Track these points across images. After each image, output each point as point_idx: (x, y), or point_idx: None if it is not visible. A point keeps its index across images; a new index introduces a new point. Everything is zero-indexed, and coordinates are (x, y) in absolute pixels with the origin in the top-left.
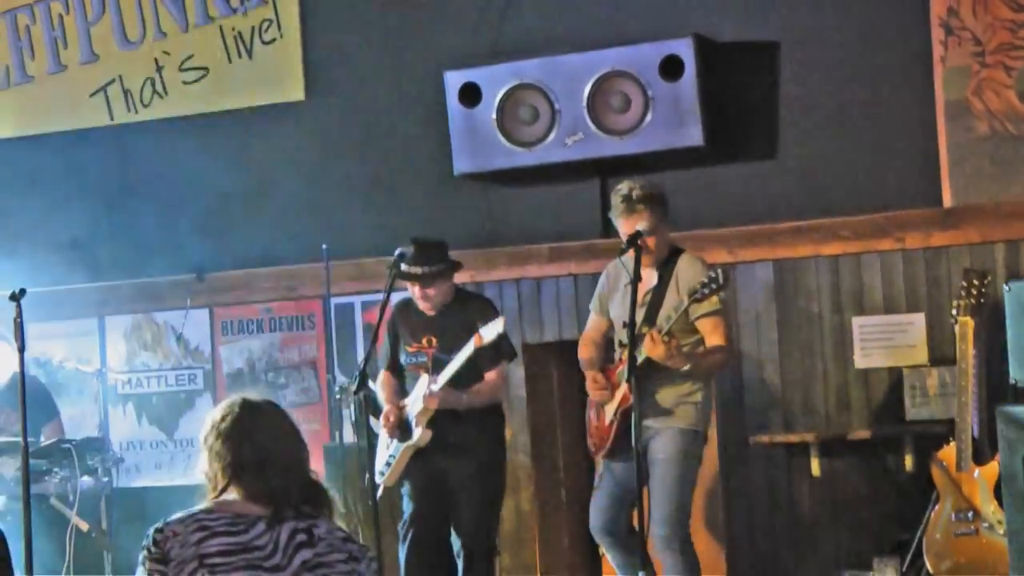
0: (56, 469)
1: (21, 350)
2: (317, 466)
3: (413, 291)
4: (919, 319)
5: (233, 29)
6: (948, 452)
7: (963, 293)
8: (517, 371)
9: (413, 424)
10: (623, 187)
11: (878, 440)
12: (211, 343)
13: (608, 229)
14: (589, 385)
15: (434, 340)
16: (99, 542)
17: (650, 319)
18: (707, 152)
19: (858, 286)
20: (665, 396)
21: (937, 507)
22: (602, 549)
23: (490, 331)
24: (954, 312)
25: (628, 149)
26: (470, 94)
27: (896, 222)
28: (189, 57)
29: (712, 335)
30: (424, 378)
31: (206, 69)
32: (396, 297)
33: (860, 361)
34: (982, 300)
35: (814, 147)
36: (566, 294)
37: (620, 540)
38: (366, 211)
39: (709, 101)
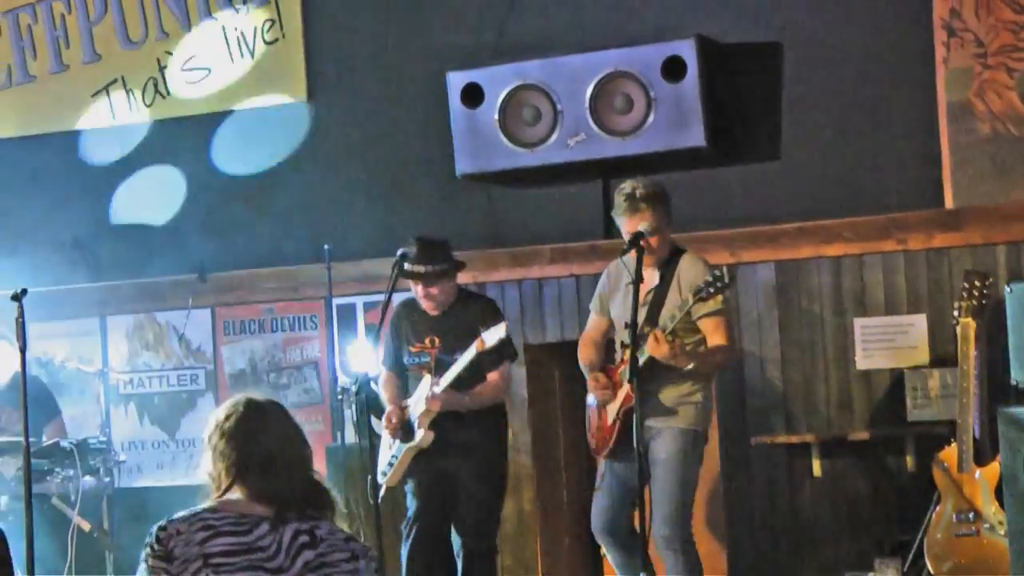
0: (58, 469)
1: (23, 350)
2: (319, 467)
3: (416, 290)
4: (921, 320)
5: (236, 29)
6: (949, 453)
7: (965, 294)
8: (519, 372)
9: (415, 425)
10: (626, 186)
11: (879, 441)
12: (213, 343)
13: (610, 230)
14: (591, 385)
15: (437, 341)
16: (101, 542)
17: (652, 319)
18: (709, 153)
19: (860, 287)
20: (667, 396)
21: (938, 508)
22: (603, 549)
23: (492, 336)
24: (955, 313)
25: (630, 150)
26: (472, 95)
27: (898, 223)
28: (191, 57)
29: (714, 335)
30: (427, 379)
31: (208, 69)
32: (399, 297)
33: (862, 362)
34: (984, 301)
35: (816, 148)
36: (568, 295)
37: (621, 540)
38: (368, 212)
39: (711, 102)
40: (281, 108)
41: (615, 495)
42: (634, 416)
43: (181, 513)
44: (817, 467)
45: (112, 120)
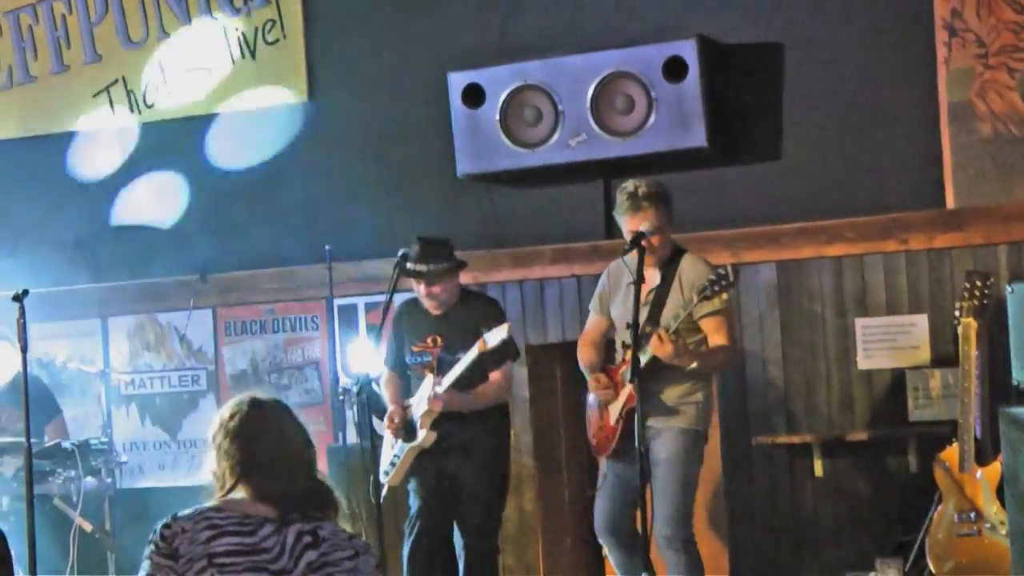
0: (59, 470)
1: (24, 350)
2: (321, 467)
3: (418, 289)
4: (922, 320)
5: (237, 29)
6: (951, 453)
7: (966, 294)
8: (520, 372)
9: (417, 425)
10: (628, 185)
11: (881, 441)
12: (214, 344)
13: (612, 230)
14: (592, 385)
15: (439, 340)
16: (102, 543)
17: (653, 319)
18: (711, 153)
19: (861, 287)
20: (668, 396)
21: (940, 508)
22: (605, 550)
23: (495, 336)
24: (957, 313)
25: (632, 150)
26: (474, 95)
27: (899, 224)
28: (192, 57)
29: (716, 334)
30: (429, 379)
31: (209, 69)
32: (401, 298)
33: (863, 362)
34: (985, 302)
35: (817, 149)
36: (569, 295)
37: (624, 541)
38: (369, 212)
39: (713, 102)
40: (282, 108)
41: (618, 495)
42: (636, 416)
43: (185, 511)
44: (818, 467)
45: (113, 120)
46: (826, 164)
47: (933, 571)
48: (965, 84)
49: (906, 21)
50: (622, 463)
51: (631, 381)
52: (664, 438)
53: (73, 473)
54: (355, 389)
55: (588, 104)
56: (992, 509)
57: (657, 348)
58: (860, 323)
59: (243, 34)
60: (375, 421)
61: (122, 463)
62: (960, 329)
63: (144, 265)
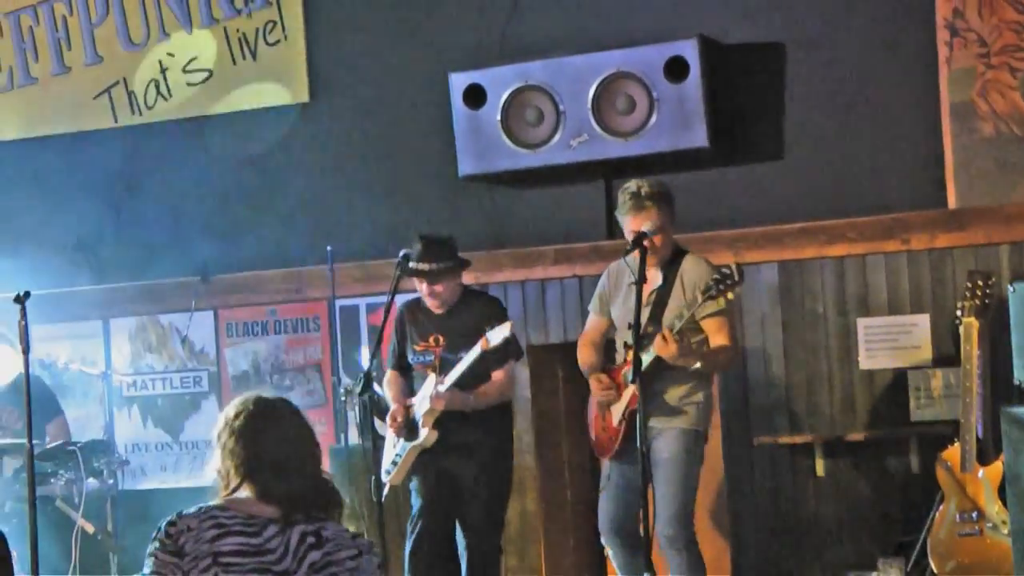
0: (61, 471)
1: (26, 352)
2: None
3: (421, 288)
4: (924, 320)
5: (237, 31)
6: (952, 452)
7: (968, 294)
8: (522, 372)
9: (419, 424)
10: (631, 185)
11: (882, 441)
12: (216, 345)
13: (613, 231)
14: (594, 386)
15: (441, 339)
16: (105, 544)
17: (655, 319)
18: (712, 154)
19: (863, 287)
20: (670, 396)
21: (941, 507)
22: (607, 550)
23: (497, 335)
24: (959, 313)
25: (633, 151)
26: (475, 96)
27: (901, 224)
28: (193, 59)
29: (717, 335)
30: (431, 378)
31: (210, 71)
32: (403, 298)
33: (865, 362)
34: (987, 301)
35: (819, 148)
36: (571, 296)
37: (628, 541)
38: (371, 213)
39: (714, 103)
40: (283, 109)
41: (622, 496)
42: (637, 416)
43: (190, 509)
44: (820, 467)
45: (114, 122)
46: (828, 164)
47: (935, 571)
48: (967, 84)
49: (908, 21)
50: (625, 464)
51: (633, 382)
52: (665, 438)
53: (75, 475)
54: (357, 390)
55: (589, 104)
56: (994, 509)
57: (661, 348)
58: (862, 323)
59: (244, 35)
60: (377, 422)
61: (124, 464)
62: (962, 329)
63: (145, 266)
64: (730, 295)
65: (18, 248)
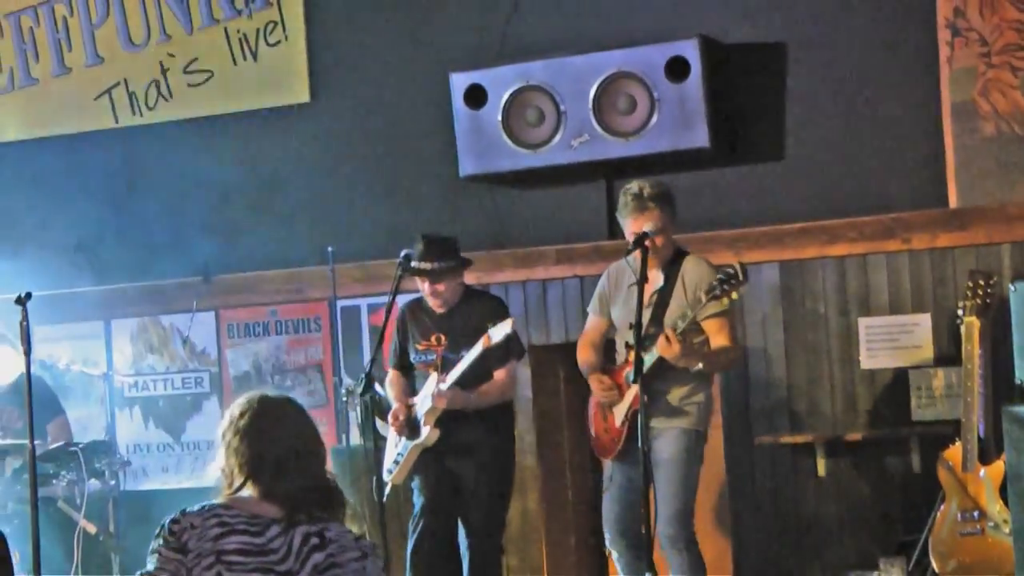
0: (63, 472)
1: (27, 353)
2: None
3: (423, 287)
4: (925, 320)
5: (238, 31)
6: (954, 452)
7: (969, 293)
8: (523, 372)
9: (421, 423)
10: (633, 186)
11: (884, 440)
12: (217, 346)
13: (614, 231)
14: (596, 387)
15: (443, 338)
16: (107, 545)
17: (656, 320)
18: (713, 154)
19: (864, 287)
20: (671, 396)
21: (943, 507)
22: (608, 550)
23: (499, 332)
24: (960, 312)
25: (634, 151)
26: (476, 96)
27: (902, 223)
28: (194, 60)
29: (718, 335)
30: (433, 377)
31: (211, 72)
32: (405, 298)
33: (866, 362)
34: (988, 301)
35: (820, 148)
36: (572, 296)
37: (633, 542)
38: (372, 213)
39: (715, 102)
40: (284, 110)
41: (625, 497)
42: (639, 417)
43: (193, 507)
44: (821, 467)
45: (115, 123)
46: (829, 164)
47: (936, 570)
48: (968, 83)
49: (909, 20)
50: (628, 464)
51: (634, 382)
52: (666, 438)
53: (77, 475)
54: (358, 390)
55: (590, 104)
56: (995, 508)
57: (664, 349)
58: (863, 323)
59: (244, 36)
60: (378, 422)
61: (126, 465)
62: (963, 328)
63: (146, 267)
64: (734, 295)
65: (19, 249)
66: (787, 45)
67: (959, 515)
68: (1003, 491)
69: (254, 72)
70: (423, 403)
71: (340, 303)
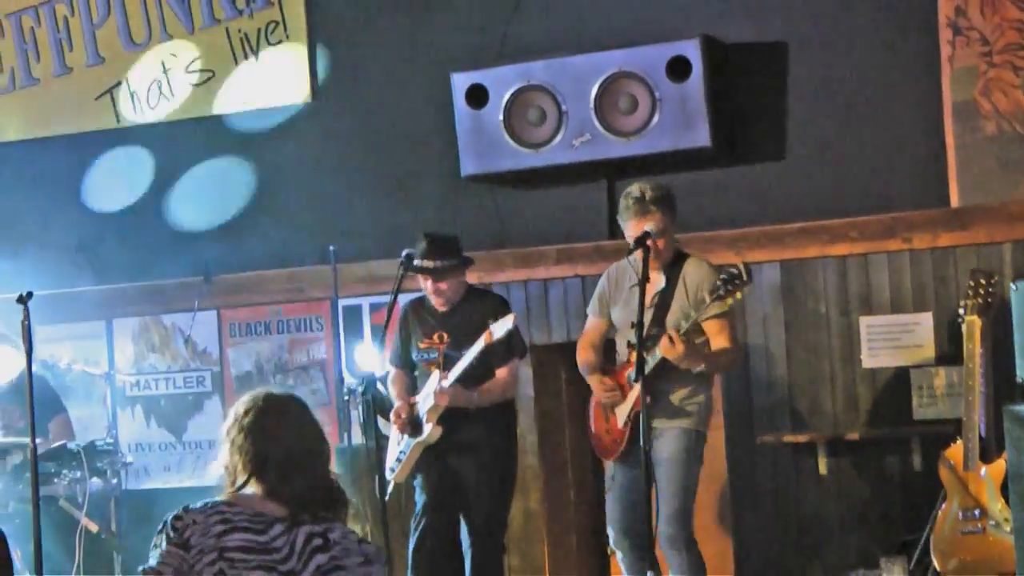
0: (65, 471)
1: (28, 353)
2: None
3: (426, 286)
4: (926, 319)
5: (239, 31)
6: (955, 451)
7: (970, 292)
8: (525, 371)
9: (423, 420)
10: (634, 190)
11: (885, 439)
12: (219, 345)
13: (615, 231)
14: (598, 388)
15: (445, 336)
16: (109, 543)
17: (658, 321)
18: (714, 153)
19: (865, 286)
20: (673, 397)
21: (944, 506)
22: (611, 548)
23: (500, 327)
24: (961, 311)
25: (635, 150)
26: (477, 95)
27: (903, 223)
28: (195, 59)
29: (718, 337)
30: (435, 374)
31: (212, 71)
32: (407, 297)
33: (867, 361)
34: (989, 300)
35: (821, 148)
36: (574, 295)
37: (637, 543)
38: (373, 213)
39: (717, 102)
40: (285, 110)
41: (627, 498)
42: (641, 417)
43: (196, 504)
44: (823, 466)
45: (116, 123)
46: (830, 163)
47: (938, 569)
48: (969, 82)
49: (910, 20)
50: (630, 465)
51: (636, 381)
52: (666, 438)
53: (79, 474)
54: (360, 389)
55: (592, 104)
56: (996, 507)
57: (667, 350)
58: (864, 322)
59: (246, 35)
60: (380, 421)
61: (127, 464)
62: (964, 327)
63: (148, 267)
64: (738, 295)
65: (20, 249)
66: (788, 45)
67: (960, 514)
68: (1004, 490)
69: (255, 72)
70: (425, 401)
71: (342, 302)
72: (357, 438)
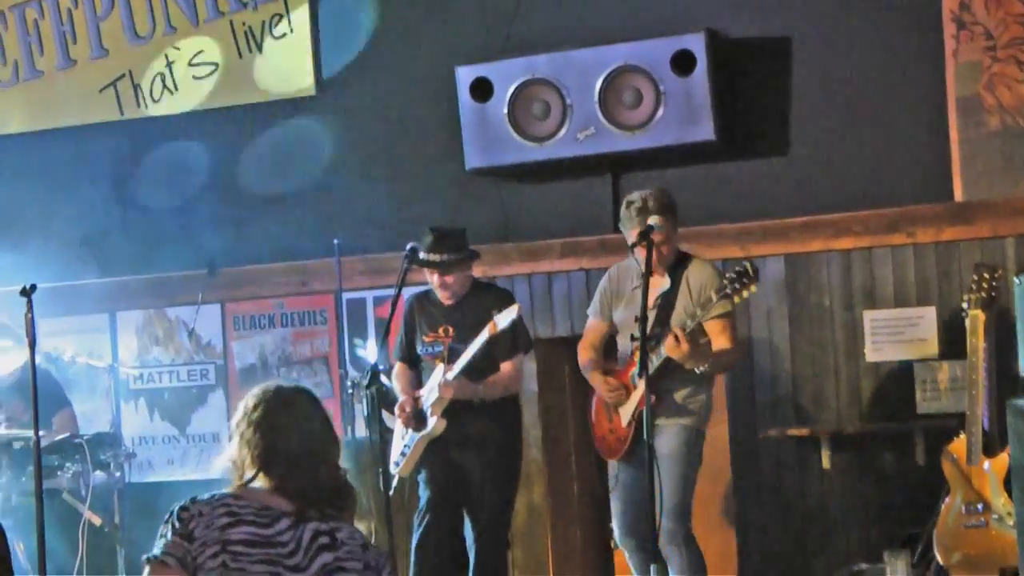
0: (68, 464)
1: (32, 345)
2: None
3: (432, 279)
4: (930, 313)
5: (244, 24)
6: (958, 445)
7: (974, 287)
8: (529, 365)
9: (428, 414)
10: (636, 199)
11: (888, 433)
12: (223, 338)
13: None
14: (602, 388)
15: (451, 330)
16: (112, 537)
17: (661, 322)
18: (719, 147)
19: (869, 280)
20: (677, 396)
21: (947, 500)
22: (614, 543)
23: (504, 318)
24: (965, 306)
25: (640, 144)
26: (482, 89)
27: (907, 217)
28: (199, 52)
29: (720, 337)
30: (440, 368)
31: (216, 64)
32: (411, 291)
33: (871, 355)
34: (993, 294)
35: (825, 142)
36: (578, 289)
37: (641, 542)
38: (377, 206)
39: (721, 96)
40: (289, 103)
41: (633, 498)
42: (644, 414)
43: (203, 496)
44: (826, 459)
45: (120, 115)
46: (834, 158)
47: (941, 563)
48: (973, 77)
49: (914, 14)
50: (634, 465)
51: (641, 375)
52: (667, 435)
53: (82, 468)
54: (364, 383)
55: (596, 98)
56: (999, 501)
57: (672, 349)
58: (868, 316)
59: (250, 28)
60: (384, 415)
61: (131, 457)
62: (968, 321)
63: (152, 260)
64: (745, 293)
65: (24, 242)
66: (792, 39)
67: (963, 508)
68: (1007, 484)
69: (259, 64)
70: (430, 394)
71: (346, 296)
72: (361, 431)
